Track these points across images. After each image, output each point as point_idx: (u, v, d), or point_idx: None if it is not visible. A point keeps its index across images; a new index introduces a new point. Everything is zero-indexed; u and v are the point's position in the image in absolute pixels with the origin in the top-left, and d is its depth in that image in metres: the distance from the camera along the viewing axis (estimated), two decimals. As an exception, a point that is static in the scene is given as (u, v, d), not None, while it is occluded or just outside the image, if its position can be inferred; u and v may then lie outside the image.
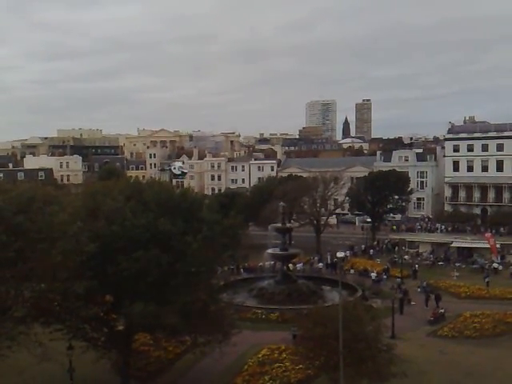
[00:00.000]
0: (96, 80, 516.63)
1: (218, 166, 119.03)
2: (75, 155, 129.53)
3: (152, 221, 21.45)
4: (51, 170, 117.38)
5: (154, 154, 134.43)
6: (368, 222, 76.62)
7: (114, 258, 21.22)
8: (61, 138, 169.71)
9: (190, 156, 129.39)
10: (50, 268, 19.57)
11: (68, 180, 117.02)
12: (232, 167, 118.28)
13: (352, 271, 53.96)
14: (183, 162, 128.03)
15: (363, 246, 67.97)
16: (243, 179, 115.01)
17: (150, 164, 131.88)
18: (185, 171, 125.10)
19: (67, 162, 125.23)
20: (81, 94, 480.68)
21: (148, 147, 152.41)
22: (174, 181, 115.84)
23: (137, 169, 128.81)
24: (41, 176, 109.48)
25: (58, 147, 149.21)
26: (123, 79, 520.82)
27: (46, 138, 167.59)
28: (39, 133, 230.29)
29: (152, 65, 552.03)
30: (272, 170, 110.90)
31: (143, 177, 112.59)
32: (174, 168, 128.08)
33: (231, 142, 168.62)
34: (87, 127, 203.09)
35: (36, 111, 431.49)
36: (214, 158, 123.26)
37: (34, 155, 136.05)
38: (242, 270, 54.29)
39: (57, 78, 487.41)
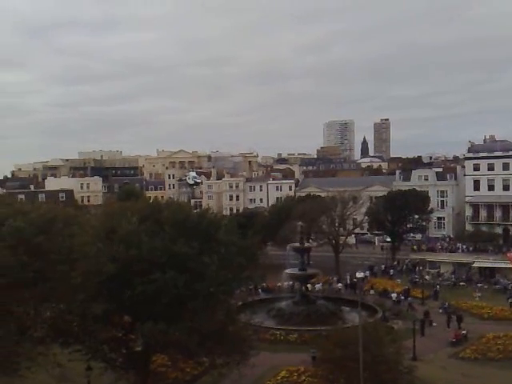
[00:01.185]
0: (116, 103, 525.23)
1: (236, 186, 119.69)
2: (95, 176, 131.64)
3: (168, 243, 21.59)
4: (72, 191, 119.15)
5: (173, 175, 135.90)
6: (388, 242, 75.93)
7: (130, 281, 21.33)
8: (81, 160, 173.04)
9: (208, 176, 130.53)
10: (69, 289, 19.80)
11: (88, 201, 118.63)
12: (250, 187, 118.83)
13: (372, 292, 53.30)
14: (198, 174, 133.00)
15: (383, 266, 67.24)
16: (261, 199, 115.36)
17: (169, 185, 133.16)
18: (198, 181, 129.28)
19: (88, 184, 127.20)
20: (101, 117, 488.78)
21: (167, 168, 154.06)
22: (193, 201, 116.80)
23: (156, 189, 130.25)
24: (62, 197, 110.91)
25: (78, 169, 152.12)
26: (142, 102, 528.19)
27: (67, 160, 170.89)
28: (60, 155, 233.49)
29: (170, 87, 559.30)
30: (290, 189, 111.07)
31: (162, 197, 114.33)
32: (189, 178, 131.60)
33: (249, 162, 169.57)
34: (107, 149, 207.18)
35: (57, 134, 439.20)
36: (233, 178, 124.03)
37: (55, 177, 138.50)
38: (260, 290, 53.99)
39: (77, 100, 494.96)
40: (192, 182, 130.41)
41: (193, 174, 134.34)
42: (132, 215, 23.62)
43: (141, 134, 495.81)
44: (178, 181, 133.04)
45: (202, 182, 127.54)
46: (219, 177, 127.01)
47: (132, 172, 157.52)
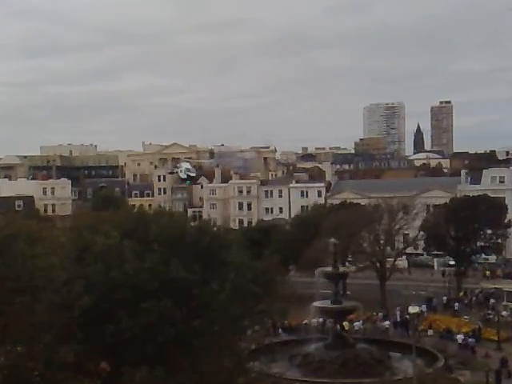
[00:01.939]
0: (89, 81, 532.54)
1: (248, 191, 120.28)
2: (63, 179, 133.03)
3: (159, 264, 21.70)
4: (32, 197, 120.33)
5: (164, 177, 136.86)
6: (451, 266, 75.61)
7: (112, 313, 21.47)
8: (44, 157, 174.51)
9: (210, 178, 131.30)
10: (30, 327, 19.91)
11: (53, 211, 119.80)
12: (266, 192, 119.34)
13: (430, 332, 53.14)
14: (193, 166, 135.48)
15: (445, 298, 66.91)
16: (281, 208, 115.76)
17: (159, 189, 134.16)
18: (192, 175, 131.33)
19: (52, 188, 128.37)
20: (69, 100, 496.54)
21: (156, 167, 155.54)
22: (190, 211, 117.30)
23: (141, 195, 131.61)
24: (18, 206, 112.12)
25: (40, 168, 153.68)
26: (124, 80, 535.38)
27: (25, 157, 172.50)
28: (16, 150, 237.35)
29: (161, 61, 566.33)
30: (319, 195, 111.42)
31: (150, 206, 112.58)
32: (181, 171, 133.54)
33: (265, 159, 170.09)
34: (78, 142, 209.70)
35: (12, 122, 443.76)
36: (243, 181, 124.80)
37: (10, 179, 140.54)
38: (280, 329, 54.03)
39: (39, 78, 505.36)
40: (184, 176, 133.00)
41: (186, 165, 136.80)
42: (114, 228, 23.84)
43: (122, 122, 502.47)
44: (169, 173, 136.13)
45: (196, 177, 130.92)
46: (225, 179, 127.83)
47: (110, 173, 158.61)
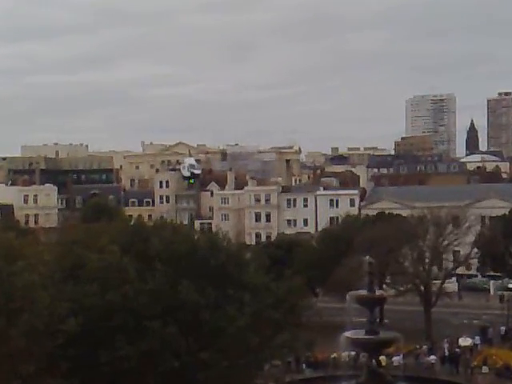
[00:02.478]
0: (79, 70, 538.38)
1: (267, 200, 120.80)
2: (47, 184, 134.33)
3: (164, 285, 21.74)
4: (11, 206, 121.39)
5: (167, 182, 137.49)
6: (510, 290, 75.28)
7: (108, 341, 21.73)
8: (26, 159, 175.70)
9: (222, 184, 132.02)
10: (6, 357, 20.07)
11: (36, 222, 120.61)
12: (288, 201, 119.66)
13: (485, 369, 52.67)
14: (198, 161, 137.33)
15: (503, 329, 66.35)
16: (306, 220, 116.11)
17: (161, 197, 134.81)
18: (197, 172, 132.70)
19: (35, 195, 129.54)
20: (56, 92, 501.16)
21: (158, 171, 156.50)
22: (198, 222, 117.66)
23: (140, 204, 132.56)
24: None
25: (21, 172, 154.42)
26: (121, 68, 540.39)
27: (4, 159, 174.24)
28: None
29: (163, 46, 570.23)
30: (352, 204, 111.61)
31: (150, 217, 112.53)
32: (184, 167, 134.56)
33: (287, 161, 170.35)
34: (66, 141, 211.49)
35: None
36: (261, 187, 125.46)
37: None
38: (303, 364, 53.97)
39: (21, 66, 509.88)
40: (187, 174, 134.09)
41: (190, 160, 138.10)
42: (111, 242, 24.02)
43: (118, 117, 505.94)
44: (171, 170, 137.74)
45: (201, 174, 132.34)
46: (239, 185, 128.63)
47: (104, 177, 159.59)
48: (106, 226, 28.93)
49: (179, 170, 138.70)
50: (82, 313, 22.18)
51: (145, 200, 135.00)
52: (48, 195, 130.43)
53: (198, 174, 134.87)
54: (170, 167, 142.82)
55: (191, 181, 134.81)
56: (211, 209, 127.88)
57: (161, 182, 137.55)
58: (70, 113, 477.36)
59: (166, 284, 22.85)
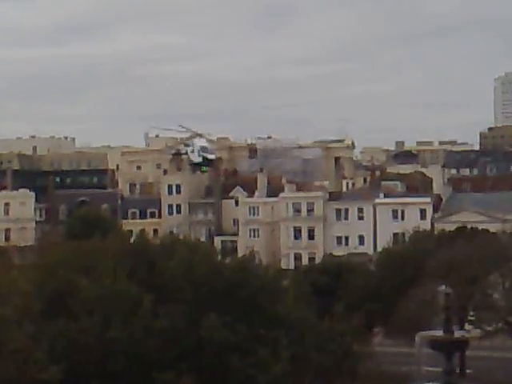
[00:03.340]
0: (64, 41, 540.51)
1: (310, 210, 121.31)
2: (22, 189, 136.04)
3: (184, 324, 21.97)
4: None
5: (178, 186, 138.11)
6: None
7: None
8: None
9: (250, 189, 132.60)
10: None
11: (8, 239, 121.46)
12: (338, 212, 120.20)
13: None
14: (207, 141, 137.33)
15: None
16: (361, 237, 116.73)
17: (170, 206, 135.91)
18: (211, 157, 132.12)
19: (6, 204, 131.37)
20: (35, 70, 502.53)
21: (166, 172, 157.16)
22: (219, 240, 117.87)
23: (143, 215, 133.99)
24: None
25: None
26: (117, 39, 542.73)
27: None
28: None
29: (174, 9, 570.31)
30: (423, 217, 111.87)
31: (155, 232, 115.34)
32: (192, 151, 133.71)
33: (336, 159, 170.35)
34: (46, 134, 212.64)
35: None
36: (301, 194, 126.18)
37: None
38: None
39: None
40: (198, 160, 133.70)
41: (201, 142, 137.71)
42: (111, 264, 24.38)
43: (114, 103, 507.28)
44: (174, 155, 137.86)
45: (217, 159, 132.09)
46: (273, 190, 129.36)
47: (95, 180, 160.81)
48: (98, 245, 29.47)
49: (185, 153, 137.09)
50: (71, 356, 22.39)
51: (149, 210, 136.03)
52: (23, 204, 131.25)
53: (212, 160, 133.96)
54: (173, 151, 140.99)
55: (203, 168, 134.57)
56: (236, 222, 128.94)
57: (170, 187, 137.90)
58: (52, 96, 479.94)
59: (184, 321, 23.13)
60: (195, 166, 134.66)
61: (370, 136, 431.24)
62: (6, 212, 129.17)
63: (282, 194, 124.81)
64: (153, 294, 24.40)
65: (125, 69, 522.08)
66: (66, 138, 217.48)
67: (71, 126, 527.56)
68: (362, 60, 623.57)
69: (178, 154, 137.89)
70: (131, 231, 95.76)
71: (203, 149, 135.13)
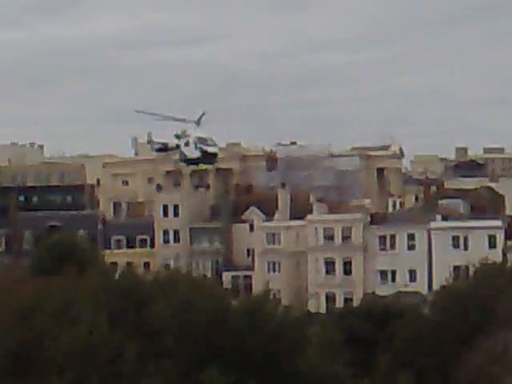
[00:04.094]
0: (29, 21, 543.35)
1: (346, 237, 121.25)
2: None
3: (181, 382, 21.82)
4: None
5: (176, 207, 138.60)
6: None
7: None
8: None
9: (268, 209, 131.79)
10: None
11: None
12: (382, 239, 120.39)
13: None
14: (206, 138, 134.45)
15: None
16: (412, 272, 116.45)
17: (166, 232, 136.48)
18: (211, 151, 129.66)
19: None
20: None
21: (160, 188, 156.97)
22: (228, 276, 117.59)
23: (131, 244, 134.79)
24: None
25: None
26: (96, 17, 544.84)
27: None
28: None
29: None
30: (492, 245, 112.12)
31: (147, 265, 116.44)
32: (186, 143, 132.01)
33: (380, 171, 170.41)
34: (6, 139, 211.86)
35: None
36: (335, 216, 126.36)
37: None
38: None
39: None
40: (195, 154, 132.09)
41: (196, 131, 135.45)
42: (84, 306, 24.19)
43: (93, 99, 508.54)
44: (158, 150, 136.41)
45: (217, 155, 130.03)
46: (298, 211, 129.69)
47: (70, 198, 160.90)
48: (73, 283, 29.32)
49: (177, 147, 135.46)
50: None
51: (138, 238, 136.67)
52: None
53: (213, 155, 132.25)
54: (158, 144, 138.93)
55: (201, 166, 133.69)
56: (250, 252, 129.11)
57: (165, 208, 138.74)
58: (14, 92, 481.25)
59: (179, 379, 22.94)
60: (191, 164, 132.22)
61: (422, 141, 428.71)
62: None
63: (309, 217, 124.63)
64: (140, 345, 24.07)
65: (106, 56, 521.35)
66: (31, 144, 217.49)
67: (38, 130, 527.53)
68: (409, 43, 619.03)
69: (165, 149, 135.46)
70: (116, 264, 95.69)
71: (201, 140, 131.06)
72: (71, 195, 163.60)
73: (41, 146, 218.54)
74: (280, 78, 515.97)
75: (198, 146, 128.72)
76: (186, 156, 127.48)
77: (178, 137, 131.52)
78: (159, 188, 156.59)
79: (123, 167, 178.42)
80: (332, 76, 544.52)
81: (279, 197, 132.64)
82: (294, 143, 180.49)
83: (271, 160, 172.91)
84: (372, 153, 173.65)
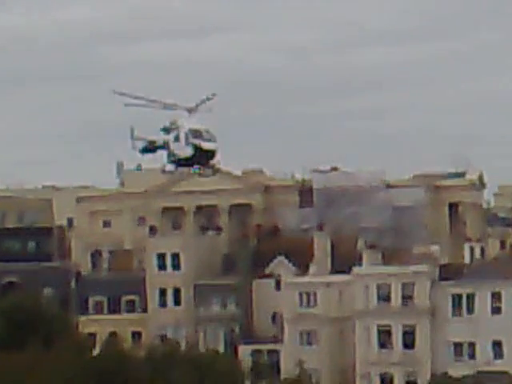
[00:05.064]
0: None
1: (406, 297, 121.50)
2: None
3: None
4: None
5: (177, 256, 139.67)
6: None
7: None
8: None
9: (301, 259, 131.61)
10: None
11: None
12: (456, 299, 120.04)
13: None
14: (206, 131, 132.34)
15: None
16: (497, 343, 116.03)
17: (163, 291, 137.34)
18: (208, 146, 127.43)
19: None
20: None
21: (153, 230, 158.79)
22: (247, 350, 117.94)
23: (114, 308, 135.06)
24: None
25: None
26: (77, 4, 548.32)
27: None
28: None
29: None
30: None
31: (137, 336, 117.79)
32: (176, 138, 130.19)
33: (452, 206, 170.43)
34: None
35: None
36: (391, 269, 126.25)
37: None
38: None
39: None
40: (188, 152, 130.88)
41: (189, 121, 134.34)
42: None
43: (58, 108, 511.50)
44: (142, 151, 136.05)
45: (215, 153, 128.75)
46: (342, 262, 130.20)
47: (32, 245, 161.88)
48: (38, 359, 30.12)
49: (163, 147, 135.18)
50: None
51: (125, 299, 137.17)
52: None
53: (210, 152, 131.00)
54: (143, 142, 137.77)
55: (196, 169, 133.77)
56: (277, 318, 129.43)
57: (162, 257, 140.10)
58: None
59: None
60: (182, 166, 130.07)
61: (510, 166, 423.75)
62: None
63: (357, 269, 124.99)
64: None
65: (82, 48, 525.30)
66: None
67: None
68: (491, 37, 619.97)
69: (152, 149, 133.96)
70: (94, 336, 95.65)
71: (194, 133, 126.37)
72: (34, 241, 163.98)
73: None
74: (315, 81, 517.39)
75: (190, 140, 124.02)
76: (174, 155, 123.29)
77: (165, 130, 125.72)
78: (153, 231, 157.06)
79: (104, 203, 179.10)
80: (386, 78, 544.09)
81: (315, 242, 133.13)
82: (334, 169, 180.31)
83: (304, 192, 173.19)
84: (442, 182, 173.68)
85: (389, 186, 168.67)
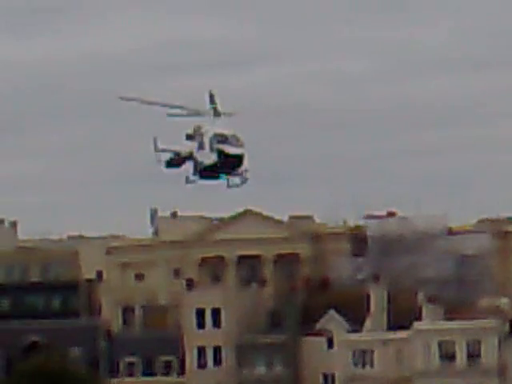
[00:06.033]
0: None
1: (472, 356, 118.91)
2: None
3: None
4: None
5: (217, 312, 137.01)
6: None
7: None
8: None
9: (354, 314, 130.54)
10: None
11: None
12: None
13: None
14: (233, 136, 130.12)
15: None
16: None
17: (201, 350, 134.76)
18: (235, 152, 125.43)
19: None
20: None
21: (191, 284, 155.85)
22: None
23: (149, 369, 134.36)
24: None
25: None
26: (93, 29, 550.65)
27: None
28: None
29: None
30: None
31: None
32: (200, 145, 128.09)
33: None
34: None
35: None
36: (456, 324, 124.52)
37: None
38: None
39: None
40: (211, 160, 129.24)
41: (214, 126, 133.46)
42: None
43: (87, 144, 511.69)
44: (167, 166, 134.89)
45: (243, 160, 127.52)
46: (400, 317, 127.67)
47: (58, 301, 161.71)
48: None
49: (190, 157, 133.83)
50: None
51: (160, 359, 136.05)
52: None
53: (235, 159, 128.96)
54: (161, 157, 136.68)
55: (222, 176, 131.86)
56: (328, 379, 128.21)
57: (200, 314, 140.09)
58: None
59: None
60: (207, 178, 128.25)
61: None
62: None
63: (417, 325, 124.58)
64: None
65: (112, 84, 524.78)
66: (1, 221, 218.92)
67: (9, 195, 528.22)
68: None
69: (177, 161, 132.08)
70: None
71: (219, 138, 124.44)
72: (59, 296, 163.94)
73: (13, 223, 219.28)
74: (368, 113, 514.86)
75: (215, 146, 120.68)
76: (200, 163, 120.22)
77: (190, 137, 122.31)
78: (190, 284, 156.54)
79: (136, 253, 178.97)
80: (454, 111, 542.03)
81: (371, 296, 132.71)
82: (391, 214, 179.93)
83: (358, 240, 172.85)
84: (510, 228, 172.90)
85: (451, 233, 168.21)
